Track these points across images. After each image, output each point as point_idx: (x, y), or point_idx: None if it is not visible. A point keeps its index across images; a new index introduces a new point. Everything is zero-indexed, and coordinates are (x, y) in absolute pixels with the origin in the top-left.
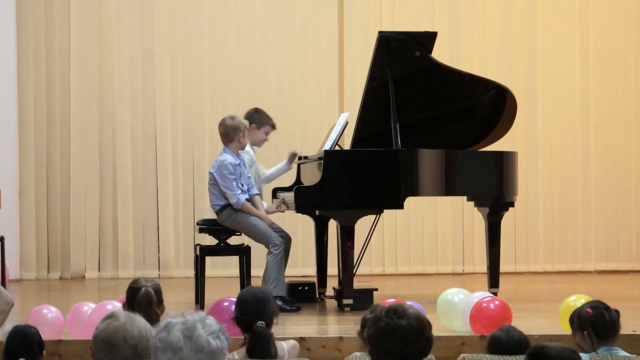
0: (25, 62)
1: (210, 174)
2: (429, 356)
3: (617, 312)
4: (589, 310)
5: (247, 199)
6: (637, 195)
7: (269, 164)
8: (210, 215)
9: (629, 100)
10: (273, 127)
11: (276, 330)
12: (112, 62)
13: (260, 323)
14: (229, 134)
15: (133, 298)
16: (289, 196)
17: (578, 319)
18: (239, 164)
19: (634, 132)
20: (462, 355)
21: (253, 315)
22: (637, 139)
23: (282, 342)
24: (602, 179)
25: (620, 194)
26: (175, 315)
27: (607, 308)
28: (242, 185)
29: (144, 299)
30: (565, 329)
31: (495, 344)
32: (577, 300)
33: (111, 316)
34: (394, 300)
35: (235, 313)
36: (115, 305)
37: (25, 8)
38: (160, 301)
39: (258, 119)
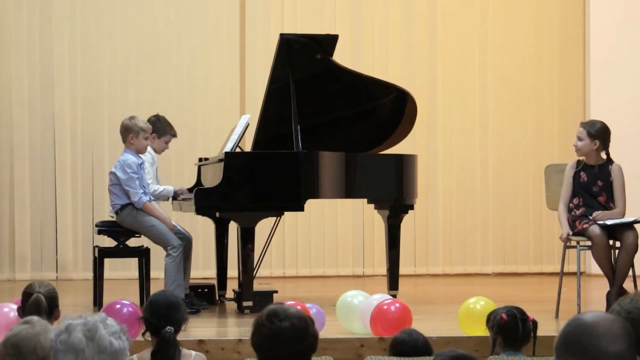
0: None
1: (112, 173)
2: (328, 357)
3: (534, 322)
4: (504, 316)
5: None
6: (534, 199)
7: (169, 164)
8: (111, 216)
9: (528, 105)
10: (174, 135)
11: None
12: (10, 62)
13: (169, 328)
14: (122, 133)
15: (25, 304)
16: (189, 196)
17: (493, 320)
18: (140, 164)
19: (531, 137)
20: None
21: (162, 319)
22: (535, 143)
23: (191, 351)
24: (501, 183)
25: (518, 197)
26: (74, 316)
27: (525, 319)
28: (144, 187)
29: (32, 306)
30: (464, 331)
31: (398, 346)
32: (477, 302)
33: (28, 322)
34: (293, 302)
35: (145, 314)
36: (11, 307)
37: None
38: (53, 308)
39: (160, 127)
